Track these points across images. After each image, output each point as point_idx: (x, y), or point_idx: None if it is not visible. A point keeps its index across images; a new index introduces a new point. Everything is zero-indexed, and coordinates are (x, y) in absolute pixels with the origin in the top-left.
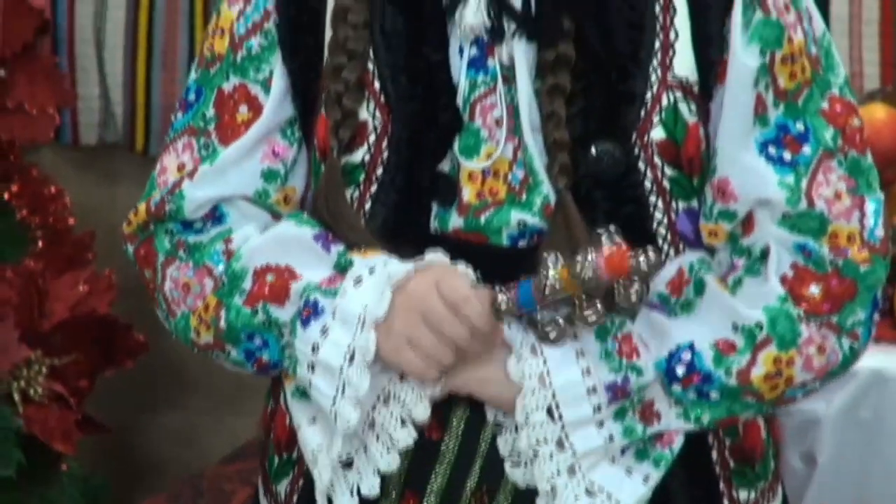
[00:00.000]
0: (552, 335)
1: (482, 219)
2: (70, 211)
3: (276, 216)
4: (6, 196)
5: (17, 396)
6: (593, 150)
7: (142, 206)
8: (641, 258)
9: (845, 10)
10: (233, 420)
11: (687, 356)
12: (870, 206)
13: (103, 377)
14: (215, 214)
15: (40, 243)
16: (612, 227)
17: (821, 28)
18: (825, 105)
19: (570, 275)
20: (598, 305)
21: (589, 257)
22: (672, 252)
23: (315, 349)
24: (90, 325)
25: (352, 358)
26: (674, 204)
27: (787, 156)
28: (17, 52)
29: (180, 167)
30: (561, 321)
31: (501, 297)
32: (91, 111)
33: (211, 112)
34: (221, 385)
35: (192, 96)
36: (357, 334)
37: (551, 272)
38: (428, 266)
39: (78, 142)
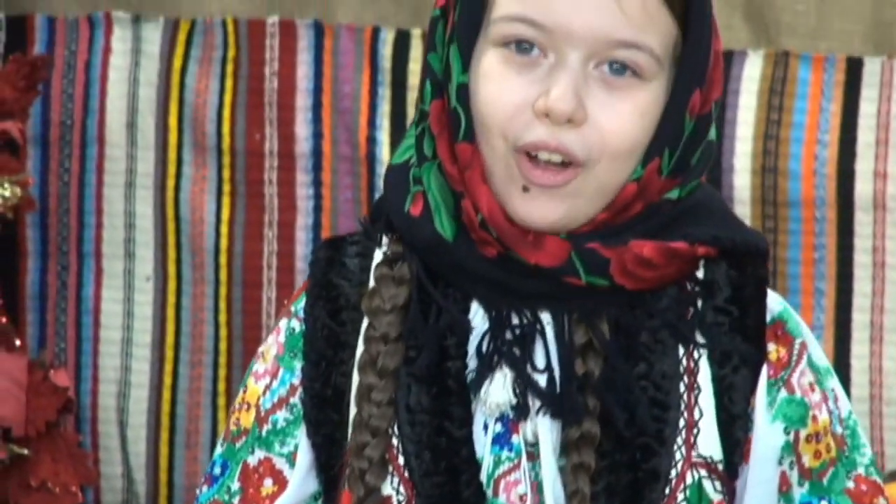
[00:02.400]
0: None
1: None
2: None
3: None
4: None
5: None
6: None
7: None
8: None
9: (866, 392)
10: None
11: None
12: None
13: None
14: None
15: None
16: None
17: (847, 408)
18: (850, 484)
19: None
20: None
21: None
22: None
23: None
24: None
25: None
26: None
27: None
28: (41, 430)
29: None
30: None
31: None
32: (114, 490)
33: (236, 486)
34: None
35: (217, 470)
36: None
37: None
38: None
39: None
